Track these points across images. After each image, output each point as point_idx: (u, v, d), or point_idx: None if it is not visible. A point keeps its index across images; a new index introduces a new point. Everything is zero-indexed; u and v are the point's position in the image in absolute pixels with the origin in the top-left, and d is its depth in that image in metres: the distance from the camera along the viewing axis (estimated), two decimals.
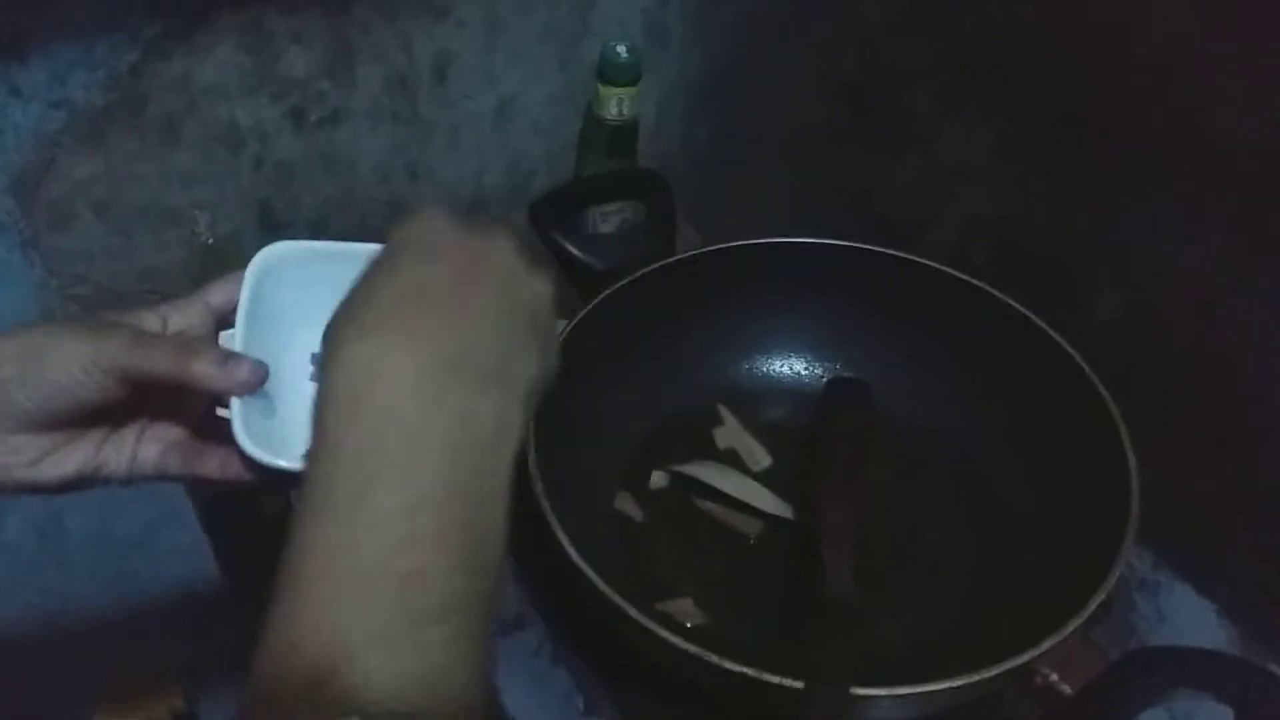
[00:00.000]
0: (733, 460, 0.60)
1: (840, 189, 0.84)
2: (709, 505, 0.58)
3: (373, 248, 0.57)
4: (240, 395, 0.44)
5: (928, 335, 0.62)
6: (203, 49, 0.76)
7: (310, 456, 0.32)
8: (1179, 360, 0.61)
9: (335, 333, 0.33)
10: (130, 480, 0.47)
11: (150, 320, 0.46)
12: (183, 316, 0.47)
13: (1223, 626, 0.59)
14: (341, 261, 0.56)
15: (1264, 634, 0.59)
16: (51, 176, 0.74)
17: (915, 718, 0.48)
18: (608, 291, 0.60)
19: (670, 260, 0.62)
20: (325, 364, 0.33)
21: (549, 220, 0.64)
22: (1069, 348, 0.56)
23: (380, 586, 0.29)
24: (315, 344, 0.49)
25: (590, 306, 0.60)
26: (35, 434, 0.42)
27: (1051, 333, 0.57)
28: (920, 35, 0.72)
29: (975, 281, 0.60)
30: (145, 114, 0.76)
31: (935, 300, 0.61)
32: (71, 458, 0.44)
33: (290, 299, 0.50)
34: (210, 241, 0.82)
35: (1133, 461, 0.50)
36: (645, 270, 0.62)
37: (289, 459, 0.44)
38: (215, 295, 0.49)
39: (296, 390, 0.48)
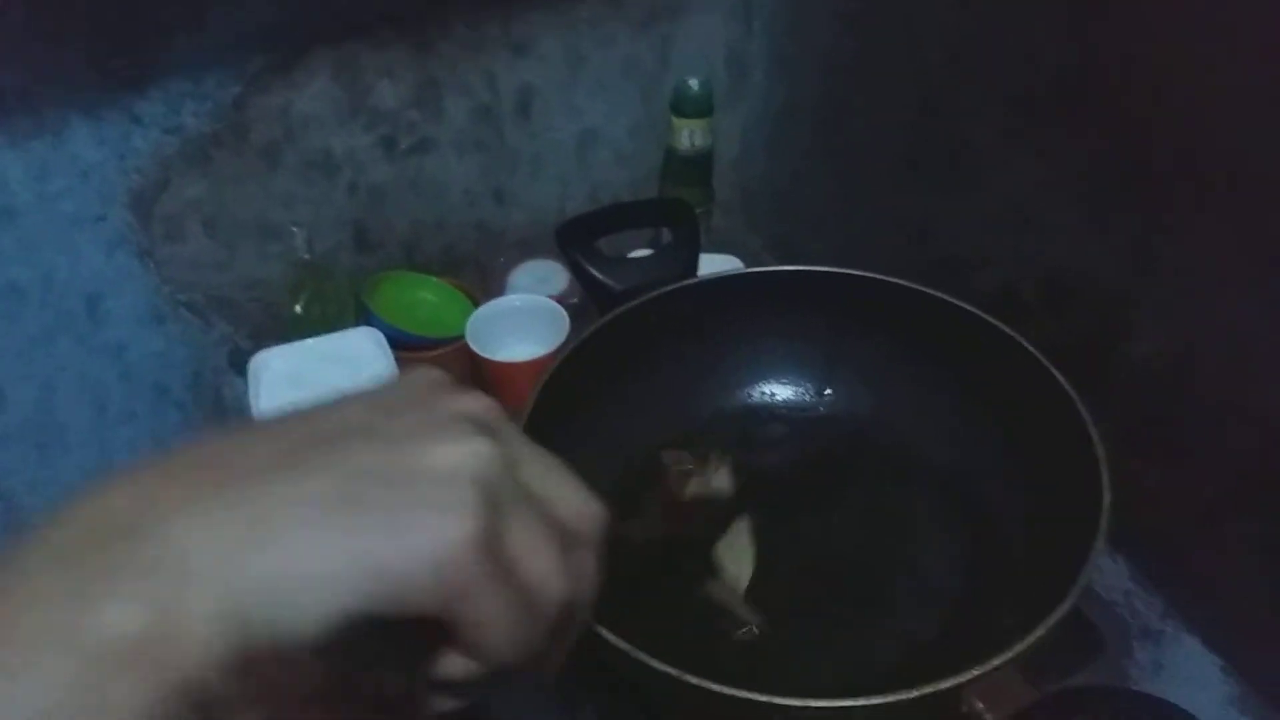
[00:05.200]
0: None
1: (903, 224, 0.83)
2: None
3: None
4: None
5: (929, 364, 0.61)
6: (300, 83, 0.84)
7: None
8: (1212, 413, 0.57)
9: None
10: None
11: None
12: None
13: (1226, 683, 0.54)
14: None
15: (1273, 694, 0.54)
16: (166, 194, 0.84)
17: None
18: (615, 312, 0.62)
19: (680, 285, 0.64)
20: None
21: (573, 242, 0.66)
22: (1069, 388, 0.53)
23: None
24: None
25: (596, 326, 0.62)
26: None
27: (1056, 373, 0.55)
28: (976, 73, 0.71)
29: (985, 315, 0.58)
30: (248, 140, 0.85)
31: (940, 330, 0.60)
32: None
33: None
34: (308, 258, 0.89)
35: (1104, 515, 0.47)
36: (655, 294, 0.63)
37: None
38: None
39: None
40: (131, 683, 0.21)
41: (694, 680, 0.42)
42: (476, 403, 0.29)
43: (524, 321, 0.92)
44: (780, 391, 0.66)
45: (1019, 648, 0.42)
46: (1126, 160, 0.60)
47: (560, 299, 0.93)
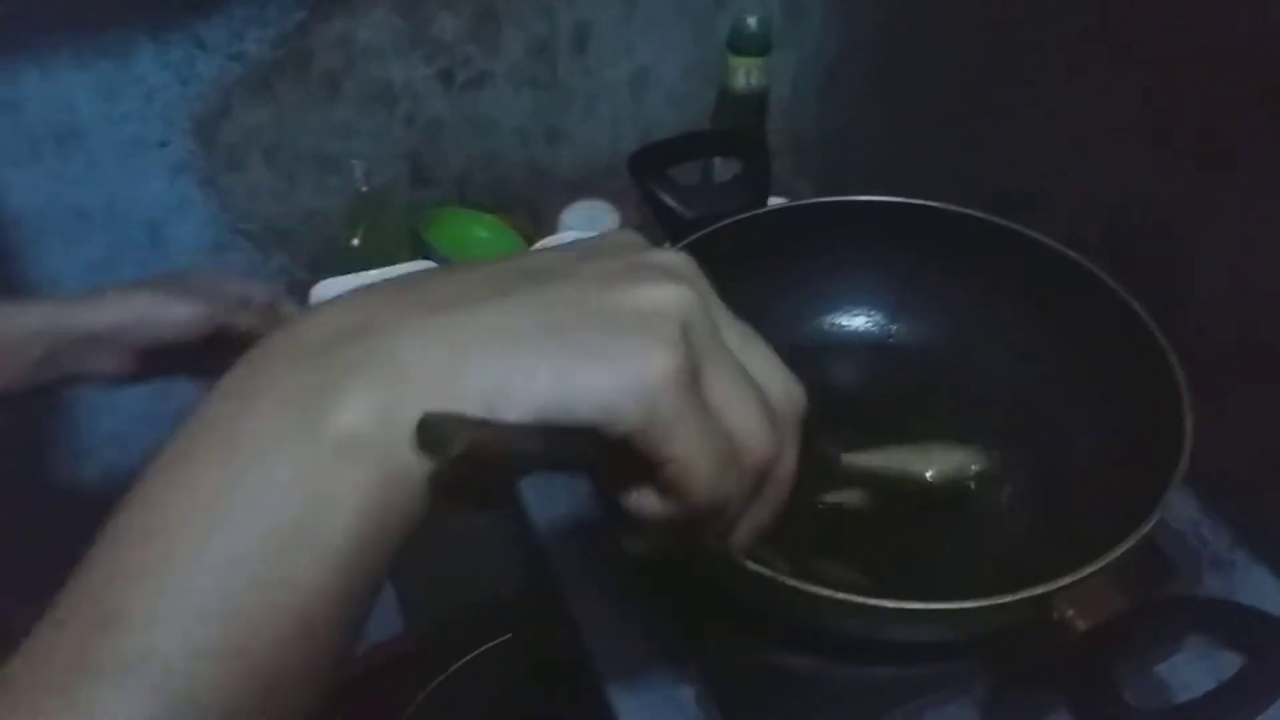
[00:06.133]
0: None
1: (959, 166, 0.83)
2: None
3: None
4: None
5: (1002, 295, 0.61)
6: (361, 11, 0.84)
7: None
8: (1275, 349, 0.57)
9: None
10: None
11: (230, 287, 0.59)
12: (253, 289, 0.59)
13: None
14: None
15: None
16: (227, 122, 0.84)
17: (944, 640, 0.49)
18: (686, 240, 0.63)
19: (751, 213, 0.64)
20: None
21: (645, 169, 0.67)
22: (1146, 316, 0.54)
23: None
24: None
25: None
26: (131, 358, 0.55)
27: (1133, 302, 0.55)
28: (1039, 6, 0.70)
29: (1060, 247, 0.59)
30: (310, 69, 0.85)
31: (1013, 261, 0.60)
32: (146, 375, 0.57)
33: None
34: (365, 190, 0.90)
35: (1188, 432, 0.48)
36: (725, 222, 0.63)
37: None
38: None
39: None
40: (355, 472, 0.24)
41: (792, 583, 0.43)
42: (677, 257, 0.30)
43: None
44: (851, 322, 0.67)
45: (1109, 557, 0.43)
46: (1189, 90, 0.60)
47: None
